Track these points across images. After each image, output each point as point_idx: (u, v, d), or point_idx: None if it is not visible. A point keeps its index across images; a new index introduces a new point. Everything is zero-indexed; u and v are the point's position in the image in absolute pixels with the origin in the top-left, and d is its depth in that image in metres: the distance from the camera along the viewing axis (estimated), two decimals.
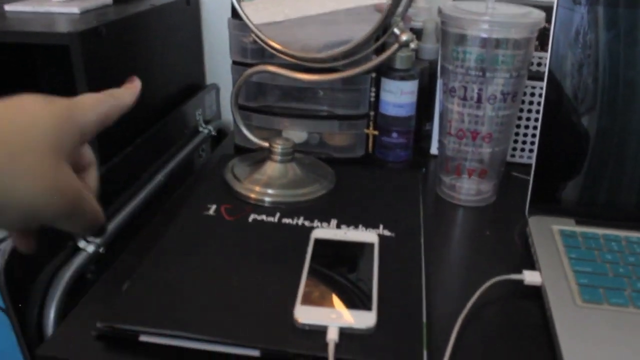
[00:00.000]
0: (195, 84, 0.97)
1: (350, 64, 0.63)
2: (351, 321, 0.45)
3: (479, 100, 0.63)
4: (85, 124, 0.35)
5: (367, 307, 0.46)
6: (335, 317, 0.45)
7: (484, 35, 0.60)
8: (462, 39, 0.61)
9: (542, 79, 0.62)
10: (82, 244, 0.58)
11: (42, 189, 0.30)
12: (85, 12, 0.76)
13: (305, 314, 0.45)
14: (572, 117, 0.61)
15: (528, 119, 0.78)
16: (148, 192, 0.71)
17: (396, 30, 0.59)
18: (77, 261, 0.57)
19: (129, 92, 0.42)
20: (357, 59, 0.63)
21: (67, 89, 0.63)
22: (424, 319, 0.47)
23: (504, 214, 0.66)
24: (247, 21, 0.65)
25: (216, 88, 0.99)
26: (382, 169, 0.77)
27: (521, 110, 0.77)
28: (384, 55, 0.60)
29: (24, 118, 0.31)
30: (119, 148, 0.69)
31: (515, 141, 0.79)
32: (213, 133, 0.92)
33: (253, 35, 0.65)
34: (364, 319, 0.45)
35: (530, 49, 0.62)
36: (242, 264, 0.53)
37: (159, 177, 0.74)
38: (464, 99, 0.64)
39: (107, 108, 0.39)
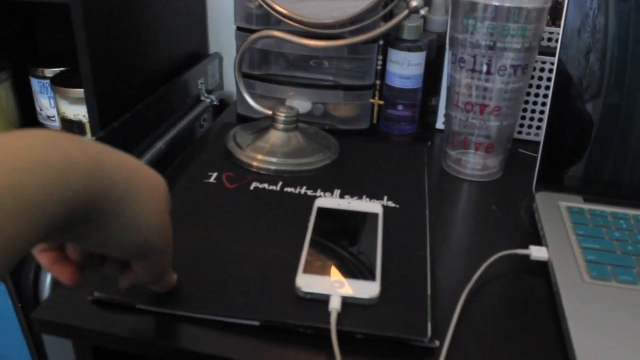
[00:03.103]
0: (198, 53, 0.95)
1: (357, 31, 0.62)
2: (354, 291, 0.44)
3: (489, 72, 0.61)
4: None
5: (371, 277, 0.45)
6: (338, 286, 0.44)
7: (496, 3, 0.58)
8: (473, 8, 0.60)
9: (552, 55, 0.60)
10: None
11: (159, 219, 0.36)
12: None
13: (307, 283, 0.44)
14: (582, 94, 0.60)
15: (537, 95, 0.76)
16: (148, 160, 0.70)
17: None
18: None
19: (174, 279, 0.44)
20: (364, 27, 0.62)
21: (68, 52, 0.62)
22: (429, 291, 0.46)
23: (510, 190, 0.65)
24: None
25: (219, 57, 0.97)
26: (387, 142, 0.75)
27: (530, 87, 0.75)
28: (393, 22, 0.59)
29: (153, 177, 0.37)
30: (119, 113, 0.68)
31: (523, 117, 0.77)
32: (215, 103, 0.91)
33: (259, 0, 0.63)
34: (368, 289, 0.44)
35: (542, 21, 0.61)
36: (243, 233, 0.52)
37: (160, 145, 0.73)
38: (474, 70, 0.62)
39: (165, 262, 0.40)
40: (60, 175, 0.28)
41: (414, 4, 0.56)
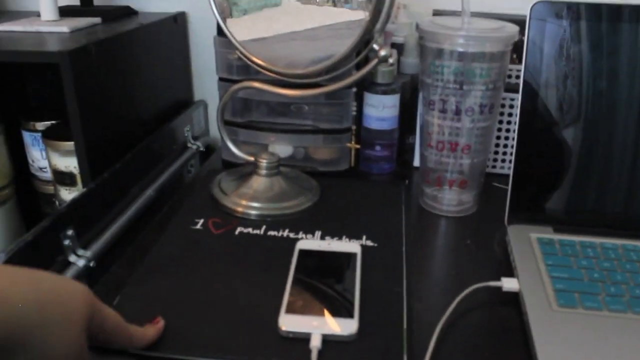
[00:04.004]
0: (183, 101, 0.98)
1: (332, 78, 0.65)
2: (334, 328, 0.46)
3: (457, 112, 0.65)
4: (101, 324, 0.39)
5: (349, 314, 0.48)
6: (318, 324, 0.47)
7: (460, 49, 0.62)
8: (439, 53, 0.64)
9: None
10: (72, 258, 0.59)
11: (74, 351, 0.35)
12: (75, 31, 0.78)
13: (289, 322, 0.47)
14: (548, 127, 0.63)
15: (507, 130, 0.80)
16: (138, 207, 0.72)
17: (375, 46, 0.61)
18: (68, 275, 0.59)
19: (149, 334, 0.46)
20: (339, 74, 0.65)
21: (58, 105, 0.65)
22: (405, 326, 0.48)
23: (485, 224, 0.68)
24: (231, 39, 0.67)
25: (204, 104, 1.01)
26: (366, 182, 0.78)
27: (501, 122, 0.79)
28: (363, 70, 0.62)
29: (68, 295, 0.36)
30: (109, 162, 0.71)
31: (496, 152, 0.81)
32: (201, 149, 0.94)
33: (238, 53, 0.67)
34: (347, 326, 0.47)
35: (505, 61, 0.65)
36: (228, 276, 0.55)
37: (149, 192, 0.76)
38: (443, 111, 0.66)
39: (121, 335, 0.42)
40: None
41: (382, 53, 0.60)
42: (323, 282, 0.52)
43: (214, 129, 1.03)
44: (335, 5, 0.67)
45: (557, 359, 0.45)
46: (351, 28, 0.62)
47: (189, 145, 0.92)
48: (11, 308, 0.31)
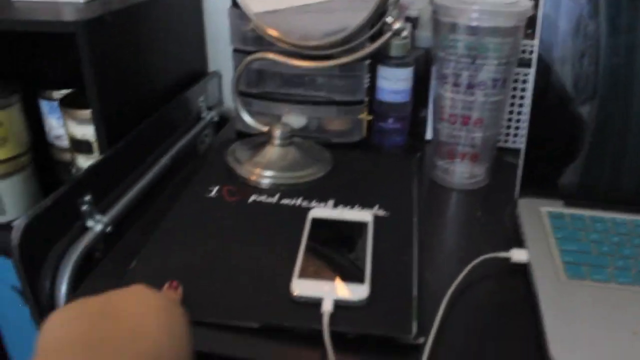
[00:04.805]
0: (198, 71, 0.99)
1: (346, 51, 0.65)
2: (345, 294, 0.47)
3: (470, 86, 0.65)
4: None
5: (360, 280, 0.49)
6: (330, 289, 0.48)
7: (474, 23, 0.62)
8: (453, 27, 0.64)
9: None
10: (90, 223, 0.61)
11: None
12: (90, 2, 0.78)
13: (301, 287, 0.48)
14: (561, 103, 0.63)
15: (520, 104, 0.80)
16: (153, 174, 0.73)
17: (388, 19, 0.61)
18: (86, 239, 0.60)
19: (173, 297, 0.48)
20: (353, 46, 0.66)
21: (74, 74, 0.66)
22: (415, 293, 0.49)
23: (495, 197, 0.69)
24: (246, 10, 0.67)
25: (218, 75, 1.02)
26: (379, 154, 0.79)
27: (513, 97, 0.79)
28: (376, 43, 0.63)
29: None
30: (125, 131, 0.72)
31: (508, 127, 0.81)
32: (215, 119, 0.95)
33: (252, 24, 0.68)
34: (358, 292, 0.48)
35: (518, 37, 0.65)
36: (242, 243, 0.56)
37: (164, 161, 0.77)
38: (456, 85, 0.66)
39: None
40: None
41: (396, 26, 0.60)
42: (335, 249, 0.53)
43: (228, 100, 1.04)
44: None
45: (564, 329, 0.46)
46: (365, 1, 0.62)
47: (203, 115, 0.93)
48: None
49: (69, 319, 0.36)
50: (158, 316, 0.38)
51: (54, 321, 0.36)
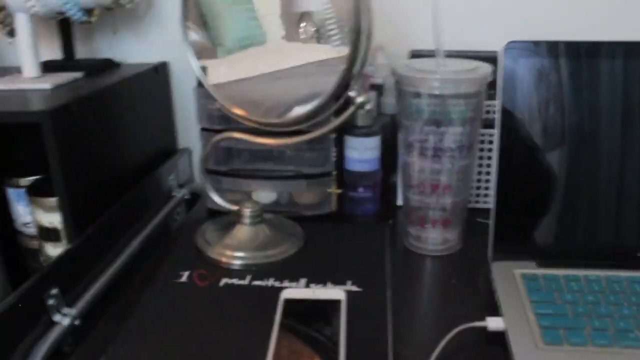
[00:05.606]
0: (167, 149, 0.99)
1: (313, 125, 0.66)
2: None
3: (437, 152, 0.66)
4: None
5: None
6: None
7: (436, 92, 0.64)
8: (416, 96, 0.65)
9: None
10: (57, 317, 0.59)
11: None
12: (56, 88, 0.79)
13: None
14: (526, 162, 0.63)
15: (489, 165, 0.81)
16: (123, 260, 0.72)
17: (352, 93, 0.62)
18: (53, 335, 0.58)
19: None
20: (318, 121, 0.66)
21: (42, 160, 0.66)
22: None
23: (469, 261, 0.69)
24: (210, 91, 0.68)
25: (188, 152, 1.02)
26: (350, 225, 0.79)
27: (481, 158, 0.80)
28: (341, 117, 0.63)
29: None
30: (95, 216, 0.71)
31: (478, 187, 0.82)
32: (187, 197, 0.94)
33: (217, 103, 0.68)
34: None
35: (481, 100, 0.66)
36: (213, 331, 0.55)
37: (135, 244, 0.76)
38: (423, 152, 0.67)
39: None
40: None
41: (359, 100, 0.61)
42: (308, 331, 0.52)
43: (199, 176, 1.03)
44: (319, 42, 0.68)
45: None
46: (335, 65, 0.63)
47: (174, 193, 0.92)
48: None
49: None
50: None
51: None
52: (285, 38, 0.69)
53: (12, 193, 0.85)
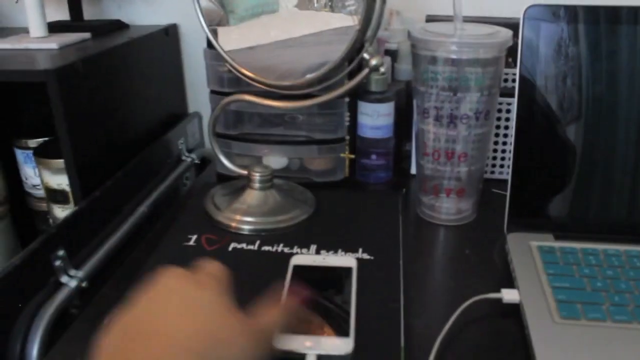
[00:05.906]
0: (177, 113, 0.97)
1: (325, 88, 0.64)
2: (329, 348, 0.45)
3: (452, 120, 0.64)
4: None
5: (345, 333, 0.47)
6: (313, 344, 0.45)
7: (453, 56, 0.61)
8: (432, 60, 0.62)
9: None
10: (64, 279, 0.58)
11: None
12: (63, 48, 0.77)
13: (282, 343, 0.45)
14: (546, 132, 0.61)
15: (505, 135, 0.79)
16: (131, 224, 0.71)
17: (366, 55, 0.60)
18: (60, 296, 0.57)
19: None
20: (331, 84, 0.64)
21: (50, 122, 0.65)
22: (402, 343, 0.47)
23: (484, 232, 0.67)
24: (220, 51, 0.66)
25: (198, 116, 1.00)
26: (362, 192, 0.77)
27: (498, 127, 0.78)
28: (354, 80, 0.61)
29: None
30: (103, 179, 0.70)
31: (494, 157, 0.80)
32: (196, 161, 0.93)
33: (228, 65, 0.66)
34: (342, 346, 0.45)
35: (500, 67, 0.63)
36: None
37: (143, 208, 0.75)
38: (438, 119, 0.64)
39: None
40: None
41: (373, 62, 0.59)
42: (318, 299, 0.51)
43: (209, 141, 1.02)
44: (332, 11, 0.66)
45: None
46: (346, 33, 0.61)
47: (184, 158, 0.91)
48: None
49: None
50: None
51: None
52: (298, 6, 0.67)
53: (20, 154, 0.85)
